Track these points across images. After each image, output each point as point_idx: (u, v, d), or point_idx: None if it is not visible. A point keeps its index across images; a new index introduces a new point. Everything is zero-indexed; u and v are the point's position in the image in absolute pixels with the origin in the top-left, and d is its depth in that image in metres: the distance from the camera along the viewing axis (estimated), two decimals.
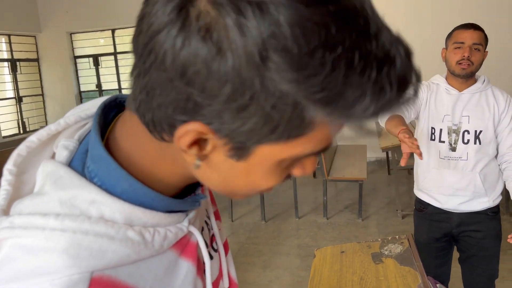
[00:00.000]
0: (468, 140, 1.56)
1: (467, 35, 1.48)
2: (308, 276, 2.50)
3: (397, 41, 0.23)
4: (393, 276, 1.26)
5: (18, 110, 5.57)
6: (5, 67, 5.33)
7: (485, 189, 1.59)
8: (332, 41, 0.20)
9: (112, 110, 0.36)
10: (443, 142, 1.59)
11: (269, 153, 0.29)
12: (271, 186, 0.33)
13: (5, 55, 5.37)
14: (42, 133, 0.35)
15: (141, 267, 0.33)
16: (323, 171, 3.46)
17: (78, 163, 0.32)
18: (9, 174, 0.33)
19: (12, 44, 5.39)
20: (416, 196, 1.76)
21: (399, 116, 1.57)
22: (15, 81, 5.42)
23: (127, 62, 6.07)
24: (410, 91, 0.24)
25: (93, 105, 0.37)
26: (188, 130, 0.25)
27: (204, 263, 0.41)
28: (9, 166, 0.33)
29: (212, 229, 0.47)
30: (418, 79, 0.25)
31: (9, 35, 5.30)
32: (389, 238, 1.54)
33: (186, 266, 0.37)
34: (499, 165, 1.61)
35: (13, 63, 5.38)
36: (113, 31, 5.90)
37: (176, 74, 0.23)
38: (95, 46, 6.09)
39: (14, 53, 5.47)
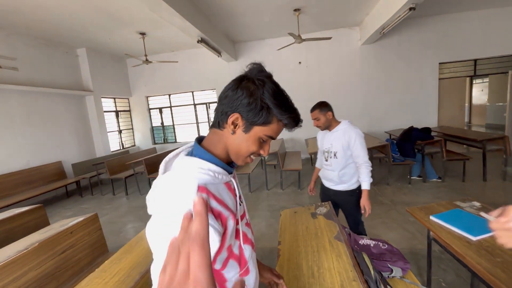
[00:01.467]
0: (331, 156, 1.91)
1: (311, 114, 1.87)
2: (275, 223, 3.03)
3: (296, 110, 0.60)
4: (324, 225, 1.49)
5: (120, 137, 7.00)
6: (113, 114, 6.83)
7: (342, 181, 1.92)
8: (282, 98, 0.58)
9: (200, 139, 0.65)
10: (323, 157, 2.01)
11: (257, 131, 0.58)
12: (254, 150, 0.60)
13: (113, 108, 6.84)
14: (173, 153, 0.62)
15: (218, 186, 0.57)
16: (279, 165, 4.31)
17: (189, 155, 0.60)
18: (163, 165, 0.60)
19: (116, 102, 6.94)
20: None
21: (315, 174, 2.19)
22: (117, 121, 6.95)
23: (177, 111, 7.29)
24: (297, 126, 0.61)
25: (188, 144, 0.66)
26: (234, 115, 0.57)
27: (239, 196, 0.65)
28: (163, 163, 0.60)
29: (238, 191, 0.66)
30: (300, 125, 0.62)
31: (114, 98, 6.84)
32: (319, 203, 1.82)
33: (229, 193, 0.60)
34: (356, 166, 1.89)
35: (117, 113, 6.92)
36: (169, 95, 7.21)
37: (234, 98, 0.56)
38: (160, 102, 7.28)
39: (117, 107, 6.98)
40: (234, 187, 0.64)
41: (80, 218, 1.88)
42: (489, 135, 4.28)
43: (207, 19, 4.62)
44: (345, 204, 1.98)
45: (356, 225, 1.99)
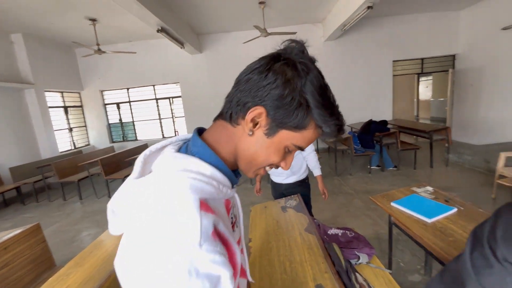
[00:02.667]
0: None
1: None
2: (245, 219, 3.05)
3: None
4: (294, 218, 1.49)
5: (70, 135, 6.32)
6: (61, 111, 6.11)
7: (292, 172, 1.96)
8: (328, 96, 0.40)
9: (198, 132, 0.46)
10: None
11: (284, 137, 0.41)
12: (275, 161, 0.43)
13: (61, 104, 6.14)
14: (158, 144, 0.45)
15: (217, 201, 0.40)
16: None
17: (183, 152, 0.42)
18: (140, 162, 0.41)
19: (64, 96, 6.20)
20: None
21: None
22: (67, 118, 6.24)
23: (137, 107, 6.81)
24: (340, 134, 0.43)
25: (183, 135, 0.49)
26: (256, 109, 0.39)
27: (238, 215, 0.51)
28: (141, 159, 0.42)
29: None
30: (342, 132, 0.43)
31: (62, 92, 6.13)
32: (289, 197, 1.83)
33: (225, 214, 0.43)
34: (303, 157, 1.98)
35: (65, 108, 6.21)
36: (128, 89, 6.69)
37: (260, 85, 0.38)
38: (118, 97, 6.73)
39: (66, 102, 6.25)
40: (236, 204, 0.50)
41: (18, 231, 1.61)
42: (435, 126, 4.78)
43: (168, 8, 4.32)
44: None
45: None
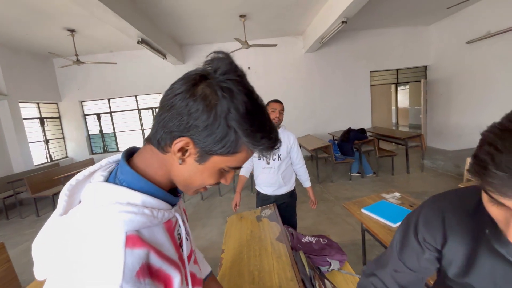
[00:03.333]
0: (275, 158, 1.88)
1: (277, 105, 1.81)
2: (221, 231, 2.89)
3: (274, 129, 0.41)
4: (267, 228, 1.53)
5: (46, 148, 6.04)
6: (36, 122, 5.87)
7: (284, 183, 1.92)
8: (258, 118, 0.37)
9: (128, 154, 0.45)
10: (263, 160, 1.92)
11: (217, 161, 0.40)
12: (212, 183, 0.43)
13: (37, 115, 5.89)
14: (86, 171, 0.42)
15: (153, 228, 0.39)
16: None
17: (112, 181, 0.40)
18: (65, 196, 0.39)
19: (40, 108, 5.98)
20: (256, 188, 2.06)
21: (241, 183, 2.01)
22: (43, 130, 5.99)
23: (118, 117, 6.66)
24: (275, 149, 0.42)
25: (115, 156, 0.46)
26: (181, 140, 0.37)
27: (183, 233, 0.48)
28: (65, 191, 0.39)
29: (183, 224, 0.49)
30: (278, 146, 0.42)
31: (38, 103, 5.91)
32: (265, 206, 1.89)
33: (168, 236, 0.42)
34: (294, 169, 1.99)
35: (42, 120, 5.97)
36: (109, 100, 6.58)
37: (184, 113, 0.36)
38: (98, 108, 6.56)
39: (42, 114, 6.02)
40: (178, 223, 0.47)
41: None
42: (409, 133, 5.02)
43: (149, 20, 4.35)
44: (286, 206, 1.97)
45: (293, 226, 2.03)
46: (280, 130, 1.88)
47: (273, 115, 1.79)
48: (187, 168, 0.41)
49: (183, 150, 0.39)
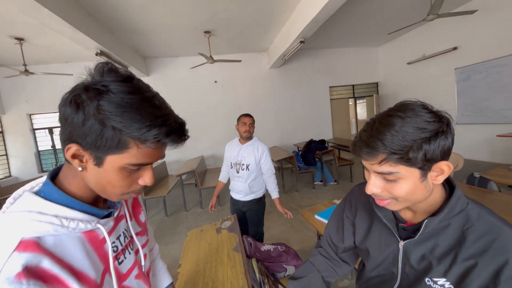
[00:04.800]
0: (244, 168, 1.99)
1: (247, 119, 1.94)
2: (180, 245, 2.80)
3: (172, 117, 0.40)
4: (226, 239, 1.55)
5: None
6: None
7: (252, 191, 2.02)
8: (134, 105, 0.37)
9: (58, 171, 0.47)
10: (234, 169, 2.05)
11: (113, 161, 0.40)
12: (124, 185, 0.43)
13: None
14: (22, 188, 0.45)
15: (63, 239, 0.41)
16: (198, 183, 4.27)
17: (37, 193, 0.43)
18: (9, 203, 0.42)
19: None
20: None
21: (219, 189, 2.18)
22: None
23: None
24: (179, 140, 0.42)
25: (43, 178, 0.47)
26: (69, 147, 0.39)
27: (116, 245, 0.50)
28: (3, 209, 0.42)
29: (129, 237, 0.53)
30: (183, 137, 0.42)
31: None
32: (225, 218, 1.91)
33: (88, 248, 0.43)
34: (264, 178, 2.07)
35: None
36: None
37: (63, 121, 0.38)
38: (51, 121, 6.02)
39: None
40: (104, 236, 0.47)
41: None
42: None
43: (108, 32, 4.24)
44: (252, 212, 2.08)
45: (257, 235, 2.12)
46: (251, 141, 2.01)
47: (243, 128, 1.94)
48: (91, 173, 0.42)
49: (78, 157, 0.41)
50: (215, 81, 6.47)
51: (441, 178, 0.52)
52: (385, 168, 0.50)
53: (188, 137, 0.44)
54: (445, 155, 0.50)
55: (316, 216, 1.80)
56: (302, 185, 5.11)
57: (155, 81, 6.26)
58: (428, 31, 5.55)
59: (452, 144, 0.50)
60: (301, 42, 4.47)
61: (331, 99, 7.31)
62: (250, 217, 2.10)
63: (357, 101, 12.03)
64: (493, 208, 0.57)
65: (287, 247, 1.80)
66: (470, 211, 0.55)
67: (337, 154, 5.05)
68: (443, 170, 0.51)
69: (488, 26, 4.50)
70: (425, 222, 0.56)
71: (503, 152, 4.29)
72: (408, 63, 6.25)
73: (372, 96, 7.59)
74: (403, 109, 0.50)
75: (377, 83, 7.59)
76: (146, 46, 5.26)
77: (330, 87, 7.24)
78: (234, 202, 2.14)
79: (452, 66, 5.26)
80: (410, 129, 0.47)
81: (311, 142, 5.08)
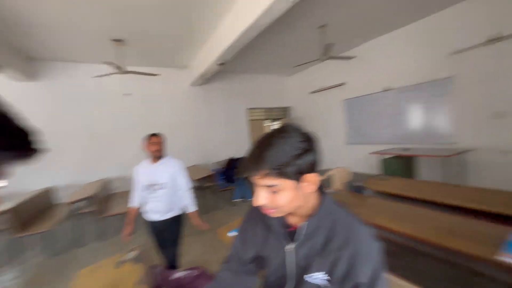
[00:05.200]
0: (160, 188, 1.95)
1: (155, 139, 1.92)
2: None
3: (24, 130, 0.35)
4: (128, 273, 1.38)
5: None
6: None
7: (170, 209, 2.00)
8: None
9: None
10: (149, 190, 1.97)
11: None
12: None
13: None
14: None
15: None
16: (99, 211, 3.64)
17: None
18: None
19: None
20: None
21: (132, 215, 2.06)
22: None
23: None
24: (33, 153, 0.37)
25: None
26: None
27: None
28: None
29: None
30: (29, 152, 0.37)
31: None
32: (130, 249, 1.67)
33: None
34: (179, 195, 2.04)
35: None
36: None
37: None
38: None
39: None
40: None
41: None
42: None
43: None
44: (170, 231, 2.03)
45: (175, 257, 2.07)
46: (164, 160, 2.00)
47: (154, 147, 1.92)
48: None
49: None
50: (129, 94, 5.84)
51: (313, 187, 0.63)
52: (268, 181, 0.59)
53: (38, 150, 0.37)
54: (313, 168, 0.61)
55: (228, 234, 1.80)
56: (223, 203, 5.07)
57: (45, 88, 5.11)
58: (325, 68, 6.83)
59: (318, 159, 0.62)
60: (220, 64, 4.65)
61: (249, 120, 7.78)
62: (168, 237, 2.04)
63: (273, 123, 13.37)
64: (367, 209, 0.75)
65: (202, 270, 1.71)
66: (336, 214, 0.68)
67: None
68: (312, 180, 0.62)
69: (363, 69, 5.94)
70: (302, 224, 0.67)
71: (375, 166, 5.55)
72: (311, 93, 7.43)
73: (285, 118, 8.54)
74: (282, 131, 0.61)
75: (288, 108, 8.63)
76: (33, 45, 4.29)
77: (248, 108, 7.73)
78: (152, 224, 2.04)
79: (341, 98, 6.59)
80: (286, 148, 0.58)
81: (231, 160, 5.19)
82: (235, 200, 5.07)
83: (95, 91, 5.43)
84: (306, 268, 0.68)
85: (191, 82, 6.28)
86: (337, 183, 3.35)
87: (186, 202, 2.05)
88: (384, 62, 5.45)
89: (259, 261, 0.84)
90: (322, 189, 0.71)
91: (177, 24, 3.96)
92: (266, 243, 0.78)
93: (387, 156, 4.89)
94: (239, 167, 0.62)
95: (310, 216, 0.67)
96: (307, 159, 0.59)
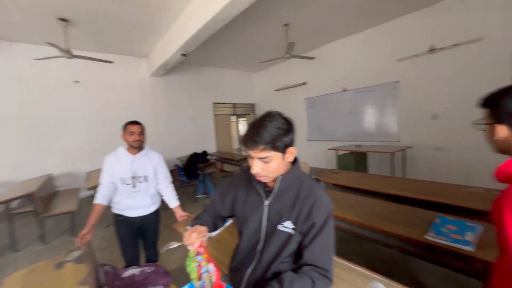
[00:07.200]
0: (141, 181, 1.83)
1: (135, 127, 1.78)
2: None
3: None
4: (70, 274, 1.25)
5: None
6: None
7: (153, 202, 1.93)
8: None
9: None
10: (129, 184, 1.81)
11: None
12: None
13: None
14: None
15: None
16: (39, 211, 3.19)
17: None
18: None
19: None
20: (115, 212, 1.88)
21: (97, 213, 1.80)
22: None
23: None
24: None
25: None
26: None
27: None
28: None
29: None
30: None
31: None
32: (73, 248, 1.56)
33: None
34: (159, 189, 1.96)
35: None
36: None
37: None
38: None
39: None
40: None
41: None
42: (243, 156, 6.04)
43: None
44: (151, 225, 1.98)
45: (157, 252, 2.09)
46: (145, 151, 1.90)
47: (132, 138, 1.78)
48: None
49: None
50: (76, 81, 5.27)
51: (291, 157, 0.87)
52: (263, 154, 0.80)
53: None
54: (292, 143, 0.85)
55: (187, 227, 1.76)
56: (185, 199, 4.93)
57: None
58: (288, 67, 7.02)
59: (294, 136, 0.85)
60: (183, 54, 4.46)
61: (215, 115, 7.65)
62: (150, 232, 2.00)
63: (239, 119, 13.36)
64: None
65: (156, 266, 1.65)
66: (302, 177, 0.92)
67: (220, 167, 5.28)
68: (292, 152, 0.85)
69: (323, 69, 6.26)
70: (277, 179, 0.88)
71: (333, 161, 5.93)
72: (276, 90, 7.59)
73: (249, 115, 8.59)
74: (269, 116, 0.83)
75: (253, 104, 8.70)
76: None
77: (213, 103, 7.59)
78: (129, 222, 1.88)
79: (303, 96, 6.87)
80: (274, 128, 0.79)
81: (194, 155, 5.05)
82: (198, 196, 4.97)
83: (36, 75, 4.78)
84: (277, 221, 0.88)
85: (152, 72, 5.92)
86: None
87: (170, 195, 1.99)
88: (343, 64, 5.82)
89: (238, 220, 1.01)
90: (295, 159, 0.93)
91: (135, 10, 3.68)
92: (245, 203, 0.97)
93: (342, 152, 5.26)
94: (243, 141, 0.83)
95: (282, 175, 0.88)
96: (289, 136, 0.82)
